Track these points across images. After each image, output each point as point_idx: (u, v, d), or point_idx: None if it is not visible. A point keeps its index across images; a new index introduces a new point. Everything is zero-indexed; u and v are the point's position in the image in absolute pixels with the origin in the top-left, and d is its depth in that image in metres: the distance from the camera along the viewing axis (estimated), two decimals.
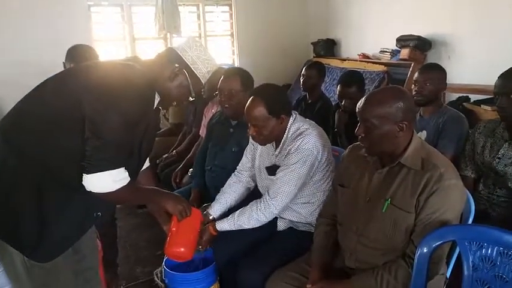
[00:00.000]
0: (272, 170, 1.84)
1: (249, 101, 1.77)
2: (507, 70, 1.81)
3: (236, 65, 5.21)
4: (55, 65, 2.25)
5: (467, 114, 2.49)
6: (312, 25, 5.51)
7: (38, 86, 1.35)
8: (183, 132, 3.38)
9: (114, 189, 1.29)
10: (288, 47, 5.32)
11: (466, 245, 1.28)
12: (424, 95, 2.18)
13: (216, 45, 5.27)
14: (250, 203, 1.80)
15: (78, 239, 1.42)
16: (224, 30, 5.31)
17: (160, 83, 1.39)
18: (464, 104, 3.21)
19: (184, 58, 1.41)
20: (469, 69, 3.62)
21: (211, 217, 1.90)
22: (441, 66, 2.32)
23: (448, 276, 1.47)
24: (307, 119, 1.90)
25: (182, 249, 1.58)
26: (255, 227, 1.77)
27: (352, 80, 2.61)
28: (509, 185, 1.81)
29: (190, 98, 1.47)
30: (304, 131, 1.78)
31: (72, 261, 1.46)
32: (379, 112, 1.36)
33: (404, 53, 3.96)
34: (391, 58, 4.26)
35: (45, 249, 1.31)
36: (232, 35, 5.31)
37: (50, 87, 1.34)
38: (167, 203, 1.56)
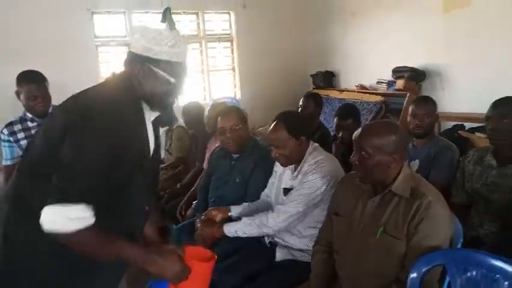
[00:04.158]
0: (288, 192, 1.95)
1: (272, 124, 1.93)
2: (499, 99, 1.89)
3: (237, 97, 5.37)
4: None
5: (462, 142, 2.57)
6: (311, 58, 5.70)
7: (36, 136, 1.35)
8: (186, 166, 3.45)
9: (67, 231, 1.05)
10: (288, 80, 5.48)
11: (454, 268, 1.33)
12: (425, 127, 2.29)
13: (218, 79, 5.45)
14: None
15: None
16: (226, 65, 5.50)
17: (136, 85, 1.25)
18: (459, 131, 3.30)
19: (135, 50, 1.24)
20: (463, 98, 3.73)
21: (229, 214, 2.06)
22: (432, 99, 2.43)
23: None
24: (327, 152, 2.01)
25: None
26: (255, 234, 1.87)
27: (349, 112, 2.72)
28: (499, 212, 1.85)
29: (170, 86, 1.27)
30: (321, 163, 1.87)
31: None
32: (375, 143, 1.46)
33: (400, 83, 4.09)
34: (387, 88, 4.38)
35: None
36: (233, 69, 5.49)
37: (42, 134, 1.27)
38: (154, 267, 1.19)
